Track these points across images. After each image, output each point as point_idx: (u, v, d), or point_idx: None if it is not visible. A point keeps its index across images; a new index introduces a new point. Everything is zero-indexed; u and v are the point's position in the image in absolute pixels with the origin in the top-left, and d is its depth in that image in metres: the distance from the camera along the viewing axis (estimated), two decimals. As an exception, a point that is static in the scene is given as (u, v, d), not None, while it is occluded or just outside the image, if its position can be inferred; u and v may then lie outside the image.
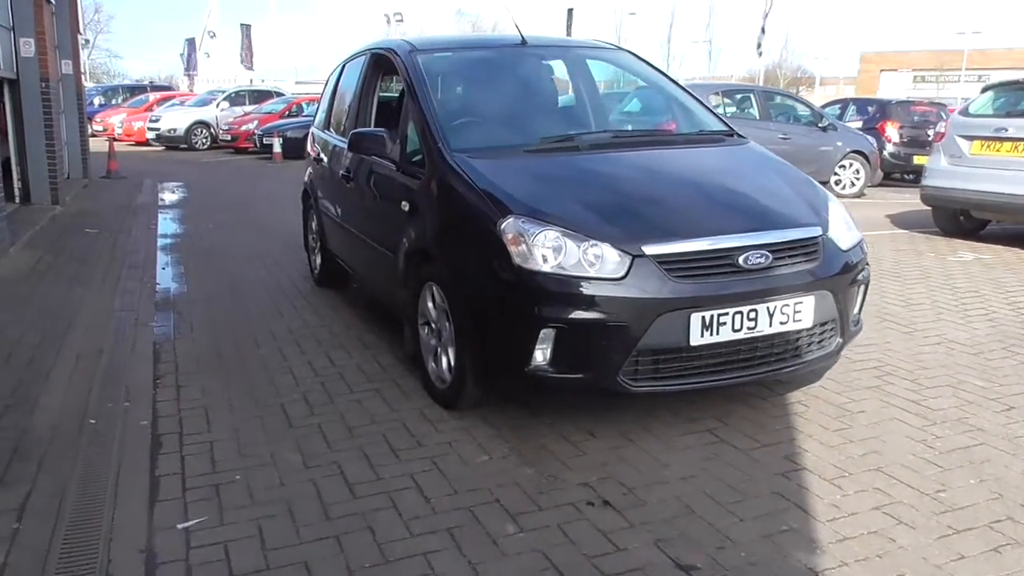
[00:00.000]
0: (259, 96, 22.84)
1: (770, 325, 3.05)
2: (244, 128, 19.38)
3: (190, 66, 40.37)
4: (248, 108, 21.39)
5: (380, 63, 4.68)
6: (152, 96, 25.46)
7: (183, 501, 2.76)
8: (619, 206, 3.16)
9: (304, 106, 20.04)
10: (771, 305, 3.04)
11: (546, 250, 2.96)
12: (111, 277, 5.99)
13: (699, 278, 2.95)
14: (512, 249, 2.99)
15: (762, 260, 3.02)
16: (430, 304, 3.59)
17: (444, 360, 3.49)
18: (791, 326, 3.10)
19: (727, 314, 2.97)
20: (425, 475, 2.91)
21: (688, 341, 2.95)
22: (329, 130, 5.51)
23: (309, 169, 5.88)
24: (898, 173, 14.13)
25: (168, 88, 31.46)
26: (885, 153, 13.13)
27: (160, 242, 7.73)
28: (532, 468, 2.95)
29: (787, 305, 3.07)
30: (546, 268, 2.94)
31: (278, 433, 3.31)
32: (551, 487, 2.81)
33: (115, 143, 15.14)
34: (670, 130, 4.01)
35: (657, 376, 2.99)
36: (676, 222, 3.09)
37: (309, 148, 6.08)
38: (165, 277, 6.24)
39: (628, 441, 3.16)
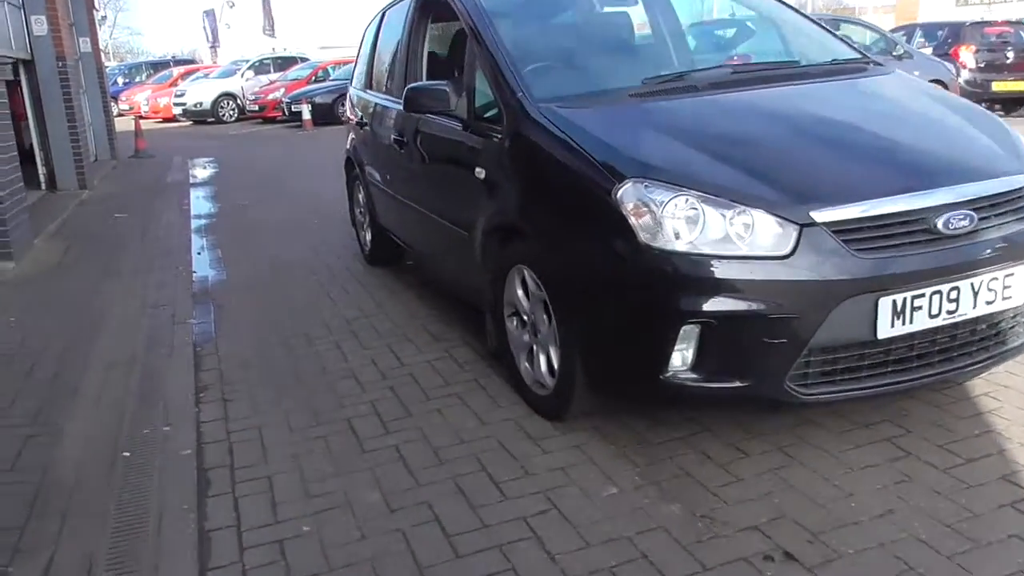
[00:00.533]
0: (284, 63, 22.20)
1: (974, 306, 2.35)
2: (271, 97, 18.83)
3: (211, 38, 39.72)
4: (274, 76, 20.80)
5: (429, 5, 3.98)
6: (176, 71, 24.95)
7: (242, 567, 2.17)
8: (768, 159, 2.45)
9: (331, 70, 19.38)
10: (976, 280, 2.33)
11: (679, 221, 2.28)
12: (143, 267, 5.43)
13: (888, 250, 2.25)
14: (635, 222, 2.31)
15: (965, 223, 2.30)
16: (520, 291, 2.94)
17: (542, 360, 2.85)
18: (998, 305, 2.40)
19: (923, 296, 2.28)
20: (542, 519, 2.29)
21: (875, 333, 2.26)
22: (371, 89, 4.83)
23: (351, 135, 5.22)
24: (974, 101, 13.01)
25: (191, 61, 30.92)
26: (960, 80, 12.03)
27: (193, 223, 7.17)
28: (677, 504, 2.30)
29: (995, 279, 2.36)
30: (681, 246, 2.26)
31: (349, 461, 2.71)
32: (710, 533, 2.17)
33: (142, 121, 14.65)
34: (797, 61, 3.27)
35: (834, 379, 2.32)
36: (849, 177, 2.37)
37: (348, 112, 5.42)
38: (201, 264, 5.67)
39: (789, 459, 2.50)
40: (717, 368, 2.30)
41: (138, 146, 12.66)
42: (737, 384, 2.29)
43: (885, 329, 2.26)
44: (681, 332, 2.26)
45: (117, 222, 7.15)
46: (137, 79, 26.85)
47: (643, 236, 2.29)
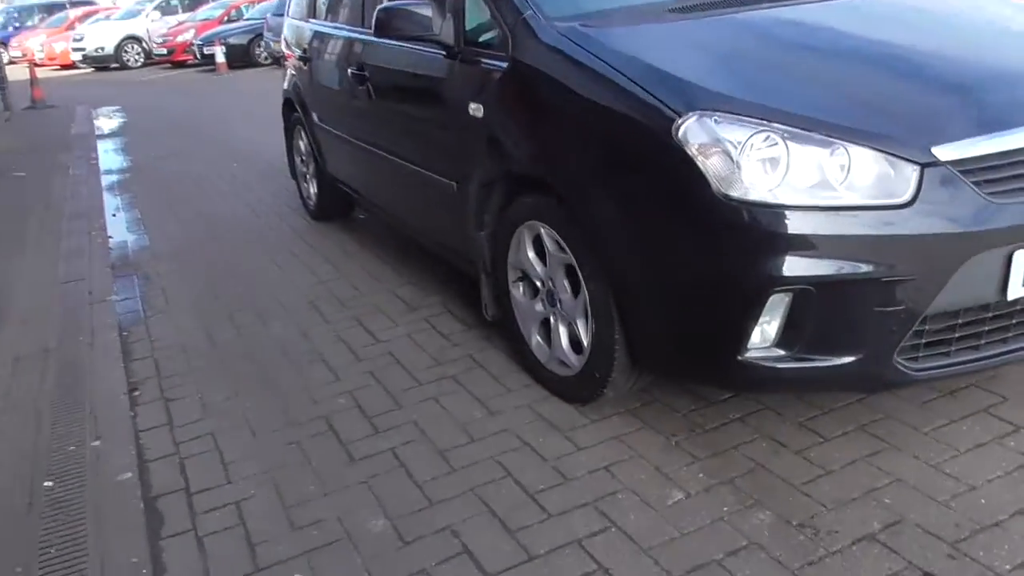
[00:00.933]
0: (193, 3, 20.54)
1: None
2: (180, 39, 17.42)
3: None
4: (182, 16, 19.24)
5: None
6: (72, 13, 22.90)
7: (218, 642, 1.64)
8: (865, 83, 1.95)
9: (244, 9, 17.98)
10: None
11: (761, 164, 1.78)
12: (50, 234, 4.66)
13: (1024, 192, 1.81)
14: (704, 164, 1.81)
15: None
16: (531, 253, 2.42)
17: (563, 334, 2.35)
18: None
19: (1060, 248, 1.85)
20: (601, 541, 1.81)
21: (1004, 294, 1.83)
22: (315, 18, 4.13)
23: (291, 72, 4.52)
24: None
25: (89, 3, 28.51)
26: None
27: (105, 180, 6.34)
28: (766, 512, 1.86)
29: None
30: (767, 194, 1.77)
31: (337, 474, 2.18)
32: (819, 550, 1.73)
33: (37, 68, 13.21)
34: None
35: (948, 351, 1.89)
36: (978, 103, 1.87)
37: (285, 47, 4.70)
38: (118, 227, 4.94)
39: (880, 442, 2.08)
40: (811, 344, 1.83)
41: (35, 96, 11.40)
42: (836, 362, 1.84)
43: (1016, 288, 1.82)
44: (769, 302, 1.79)
45: (15, 182, 6.25)
46: (28, 23, 24.59)
47: (717, 183, 1.78)
